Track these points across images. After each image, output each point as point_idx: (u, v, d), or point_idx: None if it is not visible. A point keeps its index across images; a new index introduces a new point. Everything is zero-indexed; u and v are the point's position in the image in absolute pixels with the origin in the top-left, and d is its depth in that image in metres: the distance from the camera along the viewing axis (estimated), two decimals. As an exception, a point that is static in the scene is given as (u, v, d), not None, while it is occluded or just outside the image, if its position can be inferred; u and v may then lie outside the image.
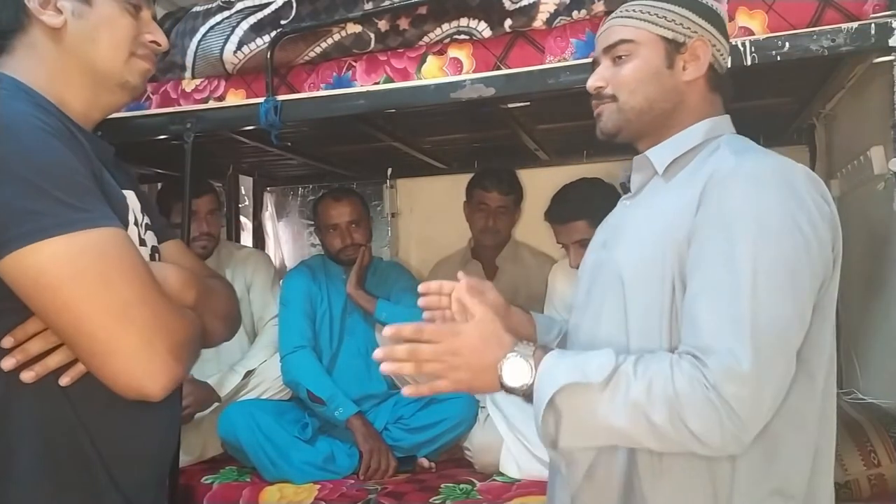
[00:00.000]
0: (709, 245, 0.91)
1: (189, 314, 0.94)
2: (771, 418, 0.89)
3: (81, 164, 0.85)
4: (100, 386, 0.84)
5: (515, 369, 0.94)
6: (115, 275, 0.82)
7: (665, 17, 1.06)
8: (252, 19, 1.76)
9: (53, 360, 0.85)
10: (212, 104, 1.84)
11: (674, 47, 1.05)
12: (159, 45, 1.03)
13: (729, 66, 1.14)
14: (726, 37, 1.11)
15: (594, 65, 1.14)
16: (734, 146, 1.02)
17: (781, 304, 0.87)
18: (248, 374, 2.29)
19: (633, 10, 1.08)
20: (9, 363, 0.84)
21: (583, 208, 1.94)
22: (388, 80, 1.70)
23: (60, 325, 0.82)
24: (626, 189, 1.17)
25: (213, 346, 1.08)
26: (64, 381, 0.86)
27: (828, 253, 0.93)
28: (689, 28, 1.06)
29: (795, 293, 0.88)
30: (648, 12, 1.07)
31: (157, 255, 1.06)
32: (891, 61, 1.38)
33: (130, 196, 0.99)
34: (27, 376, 0.84)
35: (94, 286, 0.81)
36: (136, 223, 0.97)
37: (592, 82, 1.11)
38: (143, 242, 0.99)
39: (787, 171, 0.94)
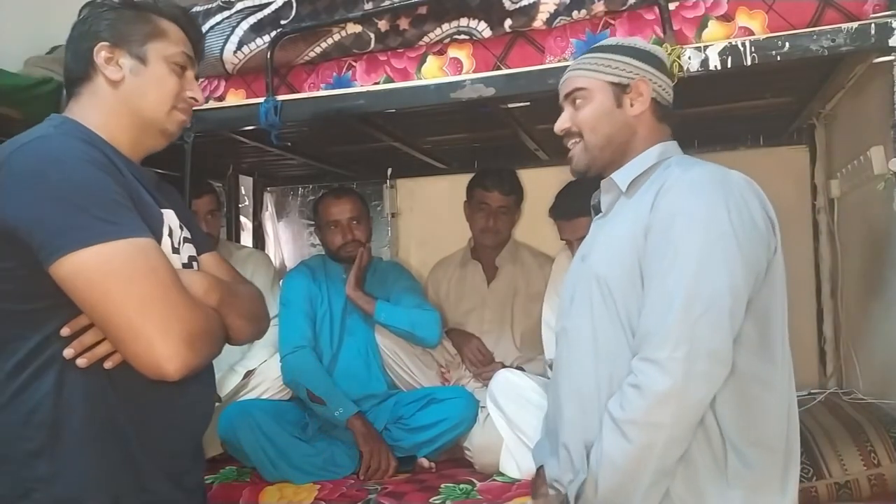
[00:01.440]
0: (653, 247, 1.14)
1: (208, 311, 1.09)
2: (746, 384, 1.11)
3: (118, 186, 1.03)
4: (135, 369, 1.01)
5: None
6: (137, 276, 0.99)
7: (609, 66, 1.28)
8: (252, 19, 1.76)
9: (101, 349, 1.03)
10: (212, 104, 1.84)
11: (620, 89, 1.27)
12: (197, 101, 1.23)
13: (671, 100, 1.33)
14: (668, 74, 1.32)
15: (560, 110, 1.35)
16: (683, 164, 1.23)
17: (715, 278, 1.08)
18: (248, 374, 2.29)
19: (584, 63, 1.31)
20: (69, 352, 1.02)
21: (587, 205, 1.94)
22: (388, 80, 1.70)
23: (96, 317, 1.00)
24: (598, 210, 1.37)
25: (242, 343, 1.26)
26: (108, 364, 1.04)
27: (761, 236, 1.14)
28: (630, 72, 1.27)
29: (728, 265, 1.09)
30: (596, 63, 1.29)
31: (194, 264, 1.20)
32: (891, 61, 1.39)
33: (169, 214, 1.16)
34: (81, 362, 1.02)
35: (120, 285, 0.98)
36: (169, 235, 1.13)
37: (559, 125, 1.33)
38: (176, 251, 1.14)
39: (722, 176, 1.16)
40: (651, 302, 1.12)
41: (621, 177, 1.28)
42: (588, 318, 1.22)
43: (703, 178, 1.15)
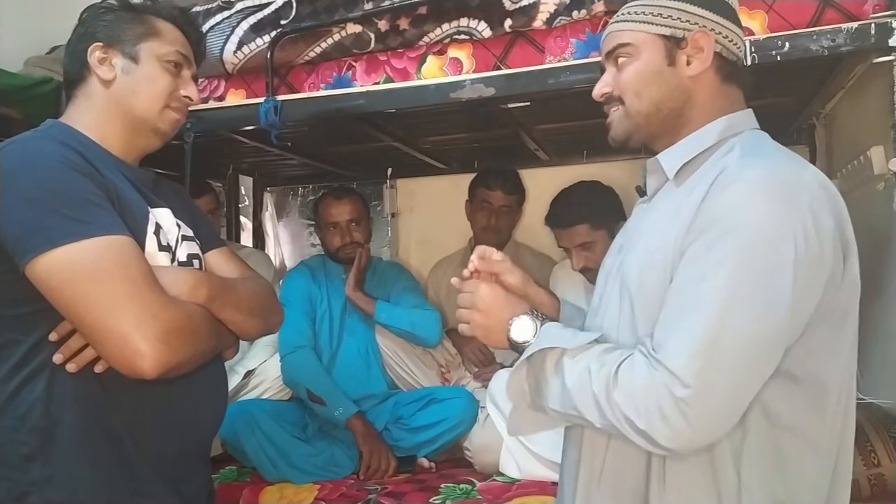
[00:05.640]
0: (694, 248, 0.91)
1: (189, 308, 1.07)
2: (779, 433, 0.90)
3: (93, 186, 1.03)
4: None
5: (522, 327, 1.04)
6: (108, 273, 0.98)
7: (661, 14, 1.02)
8: (252, 19, 1.76)
9: (88, 354, 1.03)
10: (212, 104, 1.84)
11: (674, 43, 1.02)
12: (192, 100, 1.22)
13: (742, 53, 1.07)
14: (737, 23, 1.05)
15: (602, 72, 1.12)
16: (748, 147, 0.98)
17: (749, 319, 0.86)
18: (248, 374, 2.29)
19: (629, 13, 1.06)
20: (58, 358, 1.02)
21: (583, 212, 1.94)
22: (388, 80, 1.70)
23: (71, 317, 1.00)
24: (642, 192, 1.14)
25: (251, 338, 1.29)
26: (97, 368, 1.03)
27: (827, 265, 0.89)
28: (687, 21, 1.02)
29: (770, 308, 0.86)
30: (643, 12, 1.04)
31: (195, 262, 1.20)
32: (891, 61, 1.38)
33: (161, 212, 1.16)
34: (71, 367, 1.02)
35: (90, 283, 0.97)
36: (156, 234, 1.12)
37: (597, 90, 1.09)
38: (165, 249, 1.13)
39: (789, 180, 0.90)
40: (671, 310, 0.91)
41: (669, 160, 1.04)
42: (612, 321, 1.03)
43: (765, 180, 0.90)
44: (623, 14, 1.07)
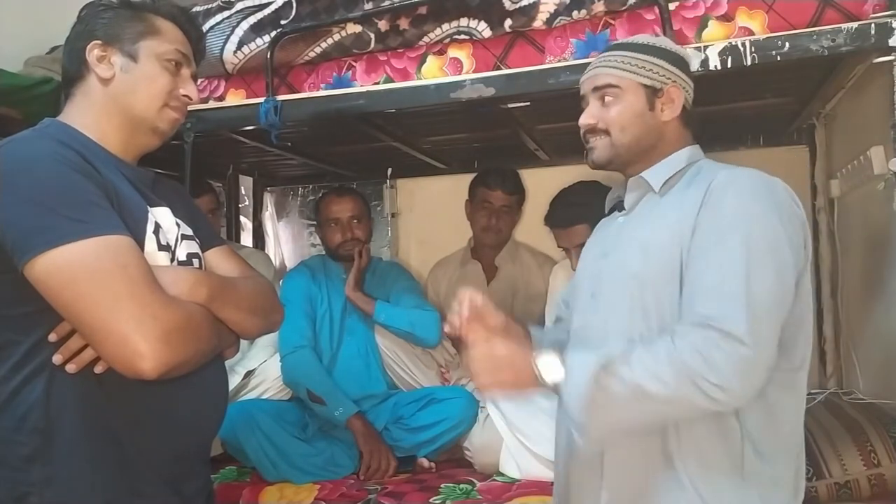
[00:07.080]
0: (707, 240, 1.11)
1: (189, 308, 1.06)
2: (771, 385, 1.08)
3: (92, 186, 1.02)
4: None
5: (550, 367, 1.11)
6: (107, 274, 0.97)
7: (644, 68, 1.24)
8: (252, 19, 1.76)
9: (88, 355, 1.02)
10: (212, 104, 1.84)
11: (652, 92, 1.24)
12: (191, 99, 1.22)
13: (692, 102, 1.28)
14: (691, 77, 1.28)
15: (583, 101, 1.29)
16: (714, 166, 1.23)
17: (769, 279, 1.07)
18: (248, 374, 2.29)
19: (617, 60, 1.25)
20: (58, 358, 1.02)
21: (583, 212, 1.94)
22: (388, 80, 1.70)
23: (70, 317, 0.99)
24: (619, 207, 1.33)
25: (251, 337, 1.28)
26: (97, 369, 1.02)
27: (800, 244, 1.13)
28: (664, 76, 1.24)
29: (780, 271, 1.08)
30: (629, 63, 1.24)
31: (194, 261, 1.20)
32: (891, 61, 1.39)
33: (160, 211, 1.16)
34: (70, 368, 1.02)
35: (89, 284, 0.97)
36: (155, 233, 1.12)
37: (585, 120, 1.28)
38: (165, 248, 1.13)
39: (769, 184, 1.15)
40: (705, 289, 1.07)
41: (654, 176, 1.25)
42: (620, 314, 1.18)
43: (754, 185, 1.14)
44: (609, 60, 1.26)
